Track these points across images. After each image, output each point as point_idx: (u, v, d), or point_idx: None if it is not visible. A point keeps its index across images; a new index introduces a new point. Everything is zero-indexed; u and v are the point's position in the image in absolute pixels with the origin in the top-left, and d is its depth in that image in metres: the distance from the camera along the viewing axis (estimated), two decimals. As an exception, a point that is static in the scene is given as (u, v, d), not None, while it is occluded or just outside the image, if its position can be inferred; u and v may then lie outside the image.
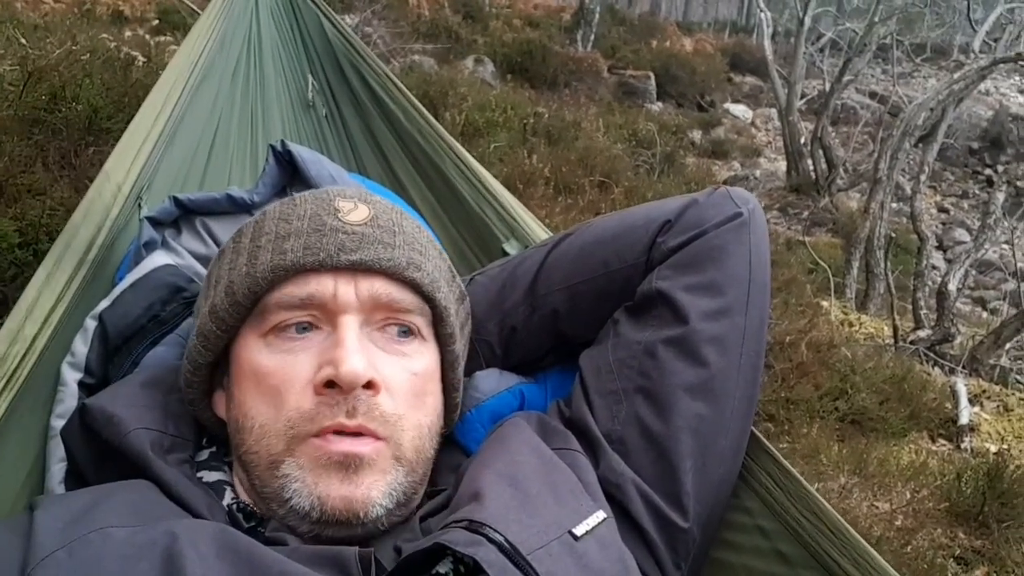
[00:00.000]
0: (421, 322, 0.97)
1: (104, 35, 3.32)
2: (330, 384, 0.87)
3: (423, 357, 0.97)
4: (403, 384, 0.93)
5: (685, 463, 1.00)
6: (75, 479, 0.99)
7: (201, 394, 1.00)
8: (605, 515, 0.89)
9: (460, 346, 1.04)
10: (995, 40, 7.74)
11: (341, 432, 0.88)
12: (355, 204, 0.98)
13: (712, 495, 1.03)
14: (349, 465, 0.87)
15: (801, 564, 1.01)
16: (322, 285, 0.91)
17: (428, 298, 0.97)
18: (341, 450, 0.87)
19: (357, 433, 0.88)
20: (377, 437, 0.89)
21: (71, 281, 1.12)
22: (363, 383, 0.87)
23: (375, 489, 0.88)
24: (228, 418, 0.97)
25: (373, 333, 0.93)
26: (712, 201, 1.12)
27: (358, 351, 0.89)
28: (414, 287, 0.95)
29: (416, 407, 0.94)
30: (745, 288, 1.08)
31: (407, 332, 0.96)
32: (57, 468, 1.02)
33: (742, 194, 1.14)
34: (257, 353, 0.92)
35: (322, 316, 0.92)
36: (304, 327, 0.92)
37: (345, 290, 0.91)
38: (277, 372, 0.90)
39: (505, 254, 1.43)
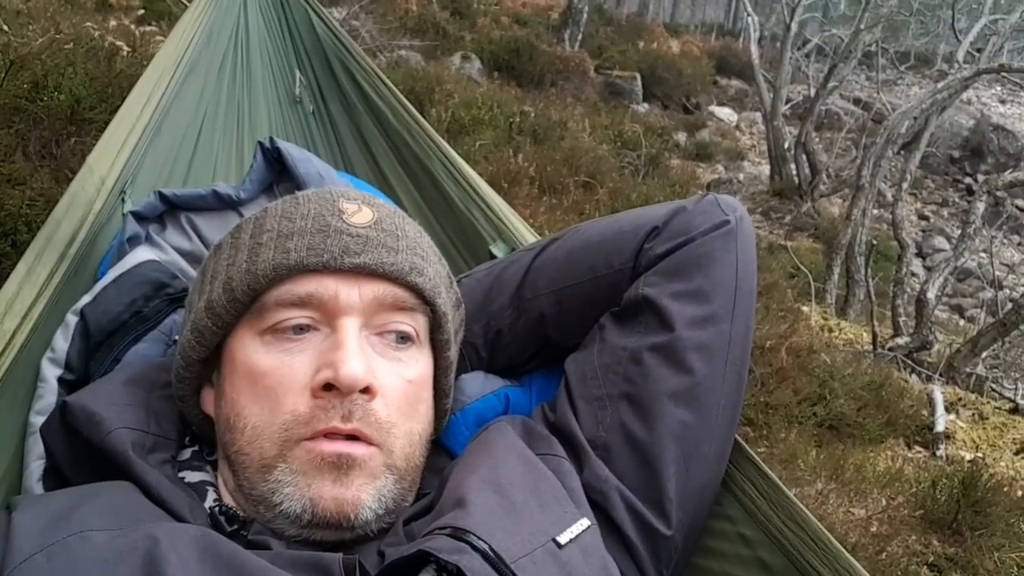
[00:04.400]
0: (420, 327, 0.97)
1: (88, 23, 3.28)
2: (328, 387, 0.87)
3: (418, 364, 0.97)
4: (397, 391, 0.93)
5: (669, 470, 1.00)
6: (54, 477, 0.98)
7: (191, 390, 0.99)
8: (589, 523, 0.89)
9: (454, 352, 1.04)
10: (978, 50, 7.82)
11: (334, 435, 0.87)
12: (359, 206, 0.97)
13: (695, 502, 1.03)
14: (341, 466, 0.86)
15: (782, 573, 1.01)
16: (323, 286, 0.91)
17: (429, 303, 0.97)
18: (335, 450, 0.86)
19: (351, 437, 0.87)
20: (370, 443, 0.89)
21: (52, 275, 1.11)
22: (361, 387, 0.87)
23: (364, 492, 0.87)
24: (217, 416, 0.96)
25: (371, 337, 0.93)
26: (700, 208, 1.12)
27: (358, 354, 0.88)
28: (416, 292, 0.95)
29: (409, 415, 0.94)
30: (731, 296, 1.08)
31: (405, 339, 0.95)
32: (35, 466, 1.00)
33: (730, 202, 1.14)
34: (253, 352, 0.92)
35: (321, 317, 0.91)
36: (302, 328, 0.91)
37: (348, 292, 0.91)
38: (273, 372, 0.90)
39: (492, 256, 1.43)
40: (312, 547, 0.87)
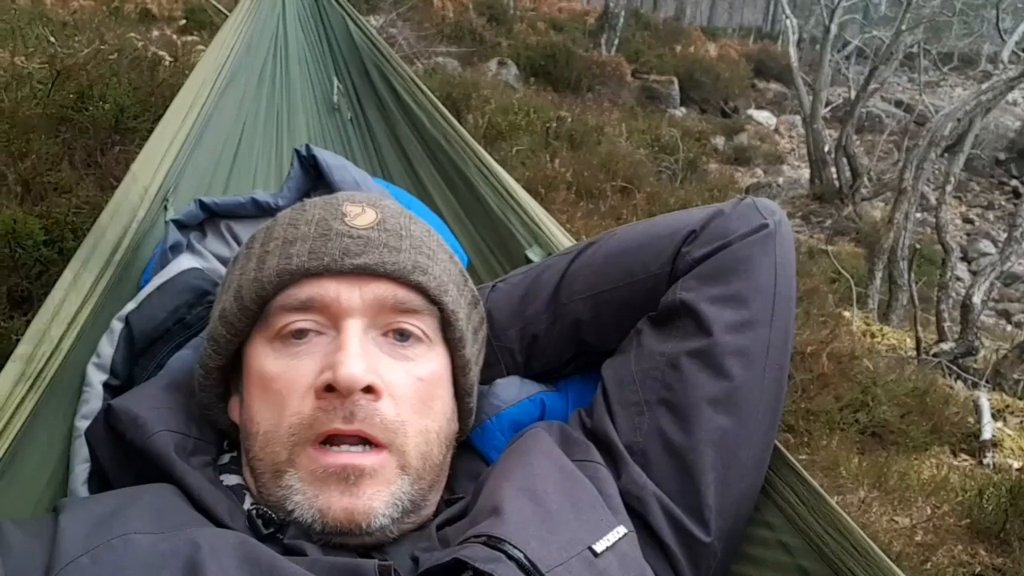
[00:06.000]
0: (428, 326, 0.96)
1: (132, 34, 3.35)
2: (330, 388, 0.87)
3: (430, 362, 0.96)
4: (407, 389, 0.92)
5: (707, 477, 0.99)
6: (98, 480, 1.00)
7: (215, 398, 1.00)
8: (626, 530, 0.89)
9: (472, 351, 1.03)
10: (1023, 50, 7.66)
11: (338, 437, 0.87)
12: (362, 208, 0.98)
13: (734, 509, 1.02)
14: (348, 477, 0.86)
15: (824, 582, 0.99)
16: (325, 288, 0.91)
17: (435, 301, 0.96)
18: (339, 463, 0.86)
19: (355, 437, 0.88)
20: (378, 444, 0.88)
21: (97, 282, 1.13)
22: (362, 387, 0.87)
23: (377, 499, 0.87)
24: (240, 423, 0.97)
25: (378, 338, 0.93)
26: (738, 212, 1.11)
27: (359, 355, 0.88)
28: (420, 291, 0.95)
29: (422, 413, 0.93)
30: (770, 300, 1.07)
31: (408, 336, 0.95)
32: (81, 469, 1.02)
33: (768, 205, 1.13)
34: (264, 358, 0.93)
35: (326, 320, 0.92)
36: (304, 332, 0.92)
37: (349, 294, 0.91)
38: (280, 377, 0.91)
39: (528, 260, 1.43)
40: (341, 550, 0.87)
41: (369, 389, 0.88)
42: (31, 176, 2.13)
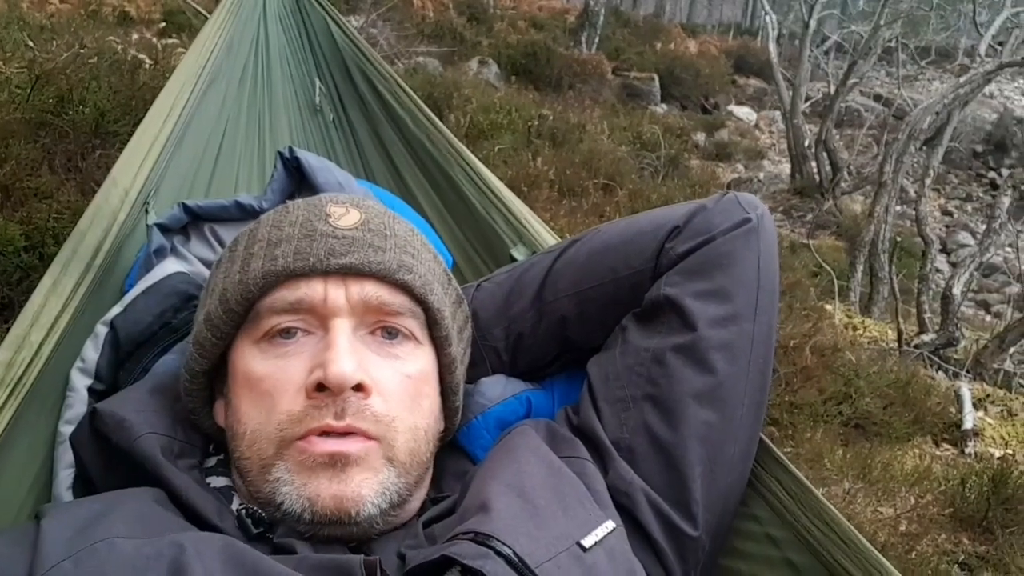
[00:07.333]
0: (414, 325, 0.97)
1: (111, 37, 3.32)
2: (321, 387, 0.87)
3: (417, 360, 0.97)
4: (396, 386, 0.93)
5: (694, 471, 1.00)
6: (83, 485, 1.00)
7: (201, 403, 1.00)
8: (614, 525, 0.89)
9: (457, 349, 1.04)
10: (1000, 44, 7.74)
11: (328, 433, 0.87)
12: (346, 209, 0.98)
13: (721, 503, 1.02)
14: (336, 464, 0.87)
15: (811, 574, 1.00)
16: (312, 289, 0.92)
17: (420, 300, 0.97)
18: (326, 450, 0.87)
19: (346, 433, 0.88)
20: (368, 437, 0.89)
21: (78, 287, 1.12)
22: (352, 385, 0.87)
23: (365, 487, 0.87)
24: (226, 425, 0.97)
25: (366, 336, 0.93)
26: (720, 207, 1.11)
27: (348, 353, 0.89)
28: (405, 290, 0.95)
29: (411, 409, 0.94)
30: (754, 294, 1.08)
31: (395, 334, 0.95)
32: (65, 474, 1.02)
33: (750, 200, 1.13)
34: (251, 359, 0.93)
35: (314, 320, 0.92)
36: (292, 332, 0.92)
37: (335, 294, 0.92)
38: (269, 377, 0.91)
39: (512, 259, 1.43)
40: (330, 543, 0.87)
41: (359, 387, 0.88)
42: (11, 182, 2.11)
